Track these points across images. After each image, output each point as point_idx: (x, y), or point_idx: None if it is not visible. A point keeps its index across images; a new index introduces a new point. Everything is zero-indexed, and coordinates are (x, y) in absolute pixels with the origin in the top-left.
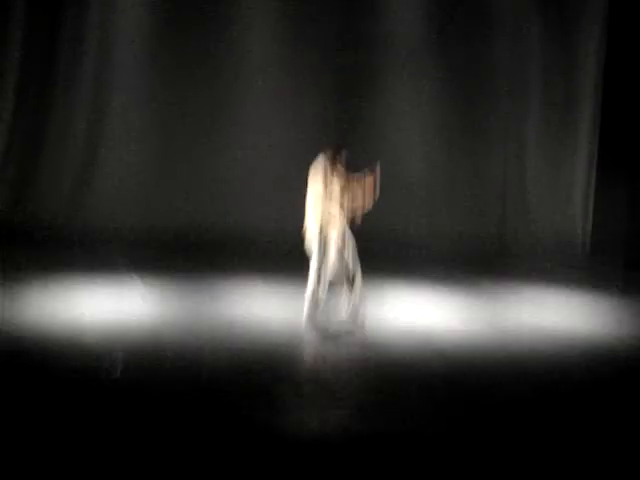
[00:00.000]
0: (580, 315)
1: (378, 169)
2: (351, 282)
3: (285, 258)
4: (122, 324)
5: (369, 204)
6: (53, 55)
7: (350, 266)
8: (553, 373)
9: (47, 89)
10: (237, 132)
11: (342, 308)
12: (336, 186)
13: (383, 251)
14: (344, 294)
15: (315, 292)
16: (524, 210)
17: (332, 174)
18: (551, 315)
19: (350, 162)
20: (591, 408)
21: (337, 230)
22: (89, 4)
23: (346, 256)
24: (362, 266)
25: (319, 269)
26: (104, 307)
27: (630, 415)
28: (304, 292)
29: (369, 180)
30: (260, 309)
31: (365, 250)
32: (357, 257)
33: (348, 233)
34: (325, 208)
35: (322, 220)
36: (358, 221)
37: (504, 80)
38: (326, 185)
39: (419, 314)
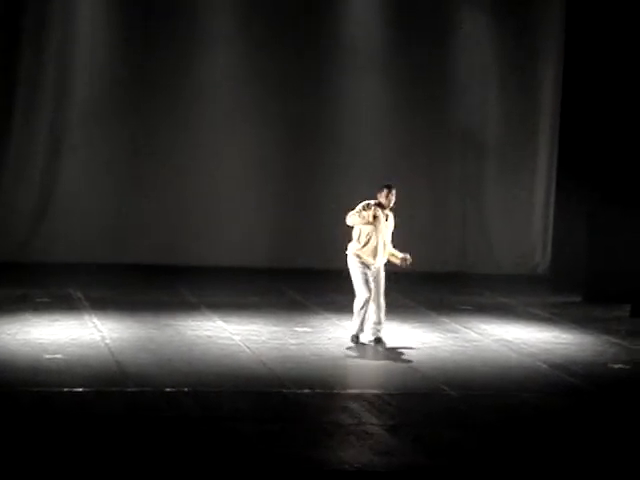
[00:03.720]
0: (541, 341)
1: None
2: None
3: (243, 290)
4: (80, 354)
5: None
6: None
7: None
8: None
9: (5, 126)
10: (195, 165)
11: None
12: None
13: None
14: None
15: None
16: (484, 240)
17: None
18: (513, 341)
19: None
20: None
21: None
22: (45, 39)
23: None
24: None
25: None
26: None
27: (582, 440)
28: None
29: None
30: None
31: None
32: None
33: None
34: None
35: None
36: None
37: (462, 119)
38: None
39: (388, 338)
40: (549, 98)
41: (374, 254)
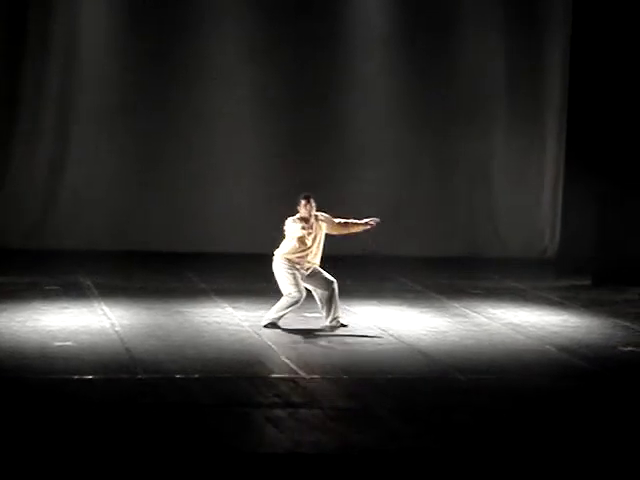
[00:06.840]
0: (550, 325)
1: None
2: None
3: (251, 276)
4: (89, 341)
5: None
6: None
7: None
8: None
9: (13, 112)
10: (203, 152)
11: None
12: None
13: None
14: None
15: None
16: (492, 224)
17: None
18: (522, 324)
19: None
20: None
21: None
22: (51, 29)
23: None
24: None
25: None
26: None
27: (589, 422)
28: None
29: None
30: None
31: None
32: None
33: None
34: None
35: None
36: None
37: (470, 99)
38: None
39: (397, 323)
40: (557, 80)
41: (306, 258)
